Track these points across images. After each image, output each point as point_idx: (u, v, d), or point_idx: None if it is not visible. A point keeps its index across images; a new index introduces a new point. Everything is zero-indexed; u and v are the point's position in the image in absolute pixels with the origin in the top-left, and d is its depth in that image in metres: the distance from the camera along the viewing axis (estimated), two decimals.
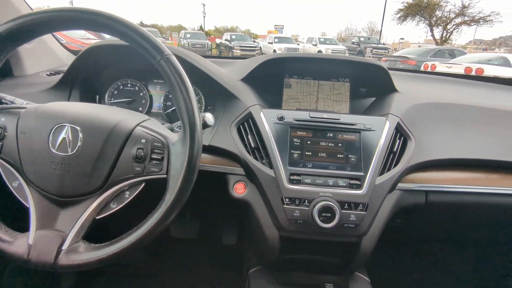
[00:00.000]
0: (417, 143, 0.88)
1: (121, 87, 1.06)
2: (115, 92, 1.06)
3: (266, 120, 0.87)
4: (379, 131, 0.86)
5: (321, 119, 0.88)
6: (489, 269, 1.40)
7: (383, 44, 22.86)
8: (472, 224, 1.02)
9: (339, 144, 0.86)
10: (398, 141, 0.87)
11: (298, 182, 0.81)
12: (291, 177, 0.81)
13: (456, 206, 0.90)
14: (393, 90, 1.00)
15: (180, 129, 0.63)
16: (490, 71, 7.68)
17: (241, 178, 0.88)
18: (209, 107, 1.02)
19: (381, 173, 0.83)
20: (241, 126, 0.90)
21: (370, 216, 0.80)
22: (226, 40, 20.14)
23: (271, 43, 19.52)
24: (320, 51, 18.69)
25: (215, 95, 0.99)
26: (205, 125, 0.69)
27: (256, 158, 0.85)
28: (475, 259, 1.40)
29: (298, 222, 0.80)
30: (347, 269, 0.94)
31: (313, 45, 19.80)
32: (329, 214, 0.77)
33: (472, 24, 24.32)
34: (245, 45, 17.96)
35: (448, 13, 24.90)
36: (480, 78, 1.37)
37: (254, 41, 23.25)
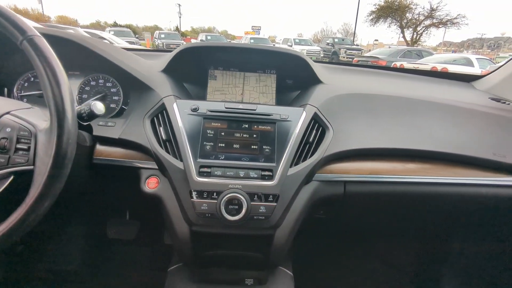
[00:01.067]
0: (335, 133, 0.87)
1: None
2: (25, 84, 0.99)
3: (179, 111, 0.83)
4: (295, 121, 0.84)
5: (236, 110, 0.85)
6: (419, 257, 1.43)
7: (357, 45, 23.40)
8: (394, 213, 1.02)
9: (254, 135, 0.83)
10: (314, 131, 0.85)
11: (208, 175, 0.77)
12: (201, 170, 0.78)
13: (374, 196, 0.90)
14: (318, 81, 0.99)
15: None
16: (454, 70, 8.00)
17: (153, 172, 0.84)
18: (128, 100, 0.97)
19: (296, 163, 0.81)
20: (155, 118, 0.86)
21: (281, 208, 0.78)
22: (201, 40, 19.98)
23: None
24: None
25: (130, 86, 0.94)
26: (92, 115, 0.64)
27: (168, 152, 0.81)
28: (403, 248, 1.42)
29: (206, 216, 0.76)
30: (268, 263, 0.91)
31: (288, 46, 19.99)
32: (237, 207, 0.74)
33: (440, 26, 25.39)
34: None
35: (417, 15, 25.88)
36: (415, 71, 1.39)
37: (230, 42, 23.21)
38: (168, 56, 0.99)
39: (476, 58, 9.09)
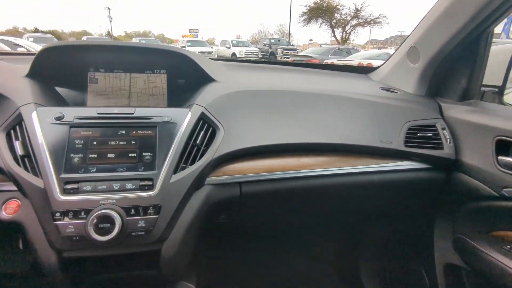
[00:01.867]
0: (226, 133, 0.82)
1: None
2: None
3: (40, 121, 0.71)
4: (179, 123, 0.78)
5: (110, 115, 0.76)
6: (336, 246, 1.47)
7: (293, 45, 24.28)
8: (299, 208, 1.02)
9: (132, 142, 0.75)
10: (203, 132, 0.80)
11: (75, 192, 0.67)
12: (66, 186, 0.67)
13: (272, 194, 0.87)
14: (209, 80, 0.94)
15: None
16: (377, 64, 8.69)
17: (12, 195, 0.71)
18: None
19: (182, 169, 0.74)
20: (11, 131, 0.73)
21: (165, 219, 0.71)
22: None
23: (184, 47, 19.12)
24: (234, 54, 18.98)
25: None
26: None
27: (27, 169, 0.69)
28: (320, 239, 1.46)
29: (74, 239, 0.66)
30: (166, 280, 0.84)
31: (227, 47, 20.00)
32: (108, 225, 0.65)
33: (366, 25, 27.60)
34: None
35: (345, 15, 27.78)
36: (320, 66, 1.42)
37: None
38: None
39: None
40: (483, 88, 0.99)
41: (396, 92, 1.09)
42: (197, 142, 0.78)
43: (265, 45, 20.96)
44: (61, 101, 0.86)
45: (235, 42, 20.67)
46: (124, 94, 0.93)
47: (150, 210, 0.69)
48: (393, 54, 1.18)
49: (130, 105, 0.93)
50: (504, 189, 0.82)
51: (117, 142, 0.74)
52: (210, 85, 0.92)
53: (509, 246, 0.83)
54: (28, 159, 0.69)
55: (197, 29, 39.73)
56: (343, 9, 27.42)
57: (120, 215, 0.66)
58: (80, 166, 0.70)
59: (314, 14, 27.78)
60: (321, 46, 15.69)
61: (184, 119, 0.78)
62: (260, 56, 19.09)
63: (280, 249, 1.47)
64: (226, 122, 0.84)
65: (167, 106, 0.94)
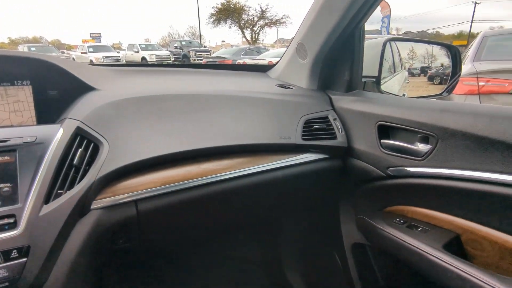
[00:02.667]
0: (112, 147, 0.72)
1: None
2: None
3: None
4: (48, 143, 0.65)
5: None
6: (260, 246, 1.49)
7: (205, 47, 24.16)
8: (208, 218, 0.97)
9: None
10: (82, 150, 0.68)
11: None
12: None
13: (175, 207, 0.81)
14: (88, 88, 0.82)
15: None
16: None
17: None
18: None
19: (56, 196, 0.62)
20: None
21: (38, 261, 0.59)
22: None
23: (85, 52, 17.38)
24: (144, 58, 18.01)
25: None
26: None
27: None
28: (244, 241, 1.45)
29: None
30: None
31: (135, 52, 18.88)
32: None
33: (272, 26, 29.07)
34: None
35: (252, 16, 28.80)
36: (217, 66, 1.40)
37: (63, 52, 20.16)
38: None
39: None
40: (363, 79, 1.09)
41: (292, 88, 1.13)
42: (75, 162, 0.66)
43: (176, 47, 20.41)
44: None
45: (143, 46, 19.64)
46: None
47: (14, 254, 0.56)
48: (285, 51, 1.22)
49: None
50: (389, 169, 0.91)
51: None
52: (89, 94, 0.80)
53: (398, 219, 0.92)
54: None
55: (100, 33, 36.49)
56: (249, 10, 28.43)
57: None
58: None
59: (223, 15, 28.14)
60: (232, 46, 15.95)
61: (54, 137, 0.66)
62: (173, 59, 18.51)
63: (201, 261, 1.40)
64: (111, 135, 0.74)
65: (36, 123, 0.79)
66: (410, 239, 0.83)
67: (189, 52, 18.50)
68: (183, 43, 20.97)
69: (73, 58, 17.92)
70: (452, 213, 0.81)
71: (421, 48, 1.57)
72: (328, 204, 1.20)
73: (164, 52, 19.08)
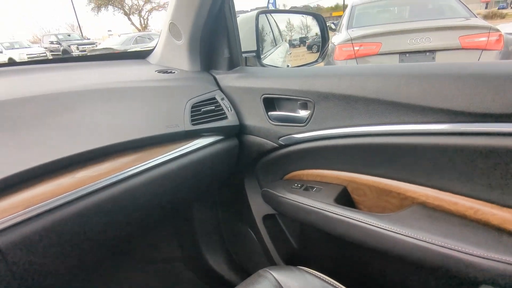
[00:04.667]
0: None
1: None
2: None
3: None
4: None
5: None
6: (181, 240, 1.44)
7: (89, 38, 21.55)
8: (104, 228, 0.87)
9: None
10: None
11: None
12: None
13: (53, 229, 0.68)
14: None
15: None
16: None
17: None
18: None
19: None
20: None
21: None
22: None
23: None
24: (11, 59, 15.15)
25: None
26: None
27: None
28: (165, 241, 1.39)
29: None
30: None
31: None
32: None
33: (161, 9, 27.44)
34: None
35: (136, 1, 26.64)
36: (88, 58, 1.22)
37: None
38: None
39: None
40: (244, 55, 1.08)
41: (174, 72, 1.06)
42: None
43: (52, 42, 17.68)
44: None
45: (7, 44, 16.45)
46: None
47: None
48: (160, 32, 1.13)
49: None
50: (280, 139, 0.94)
51: None
52: None
53: (296, 184, 0.97)
54: None
55: None
56: None
57: None
58: None
59: (103, 1, 25.21)
60: (119, 36, 14.53)
61: None
62: (50, 56, 16.02)
63: (123, 272, 1.28)
64: None
65: None
66: (307, 200, 0.88)
67: (69, 46, 16.29)
68: (60, 36, 18.26)
69: None
70: (336, 168, 0.89)
71: (297, 20, 1.65)
72: (234, 183, 1.20)
73: (37, 49, 16.35)
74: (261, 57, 1.10)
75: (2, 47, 15.96)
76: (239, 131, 1.02)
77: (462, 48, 3.17)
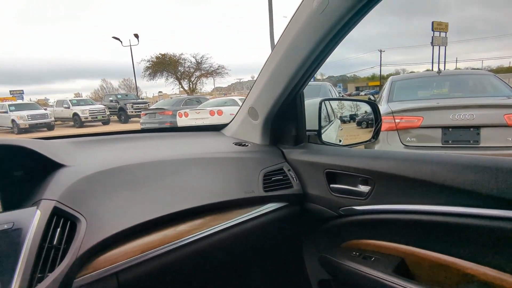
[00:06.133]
0: (89, 223, 0.75)
1: None
2: None
3: None
4: (26, 227, 0.66)
5: None
6: None
7: (143, 98, 23.92)
8: (189, 279, 1.01)
9: None
10: (60, 229, 0.70)
11: None
12: None
13: (158, 273, 0.84)
14: (57, 166, 0.84)
15: None
16: (226, 110, 9.55)
17: None
18: None
19: (39, 280, 0.63)
20: None
21: None
22: None
23: (5, 112, 15.93)
24: (76, 114, 17.10)
25: None
26: None
27: None
28: None
29: None
30: None
31: (65, 108, 17.88)
32: None
33: (209, 76, 30.25)
34: None
35: (188, 68, 29.75)
36: (172, 129, 1.49)
37: None
38: None
39: (239, 99, 11.27)
40: (307, 133, 1.28)
41: (247, 145, 1.26)
42: (54, 243, 0.68)
43: (111, 101, 19.85)
44: None
45: (75, 101, 18.75)
46: None
47: None
48: (237, 113, 1.37)
49: None
50: (340, 209, 1.06)
51: None
52: (59, 172, 0.83)
53: (354, 252, 1.06)
54: None
55: (22, 90, 33.97)
56: (185, 62, 29.41)
57: None
58: None
59: (158, 68, 28.61)
60: (171, 97, 16.10)
61: (32, 220, 0.67)
62: (108, 113, 17.89)
63: None
64: (87, 211, 0.76)
65: (2, 208, 0.78)
66: (366, 268, 0.96)
67: (125, 105, 18.13)
68: (119, 96, 20.54)
69: None
70: (395, 240, 0.97)
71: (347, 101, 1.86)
72: (292, 247, 1.30)
73: (98, 106, 18.41)
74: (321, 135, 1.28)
75: (69, 103, 18.18)
76: (301, 199, 1.16)
77: (508, 126, 3.19)
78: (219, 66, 29.88)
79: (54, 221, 0.70)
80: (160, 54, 28.85)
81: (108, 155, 1.04)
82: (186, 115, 9.92)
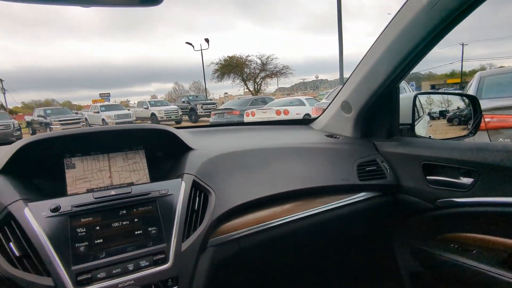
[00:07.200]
0: (217, 195, 0.90)
1: None
2: None
3: (35, 217, 0.69)
4: (176, 193, 0.83)
5: (108, 197, 0.77)
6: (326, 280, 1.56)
7: (211, 99, 25.28)
8: (289, 253, 1.12)
9: (135, 220, 0.77)
10: (198, 198, 0.86)
11: (89, 281, 0.66)
12: (79, 278, 0.65)
13: (266, 243, 0.96)
14: (188, 148, 1.02)
15: None
16: (292, 110, 9.62)
17: None
18: None
19: (187, 236, 0.79)
20: (0, 234, 0.68)
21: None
22: (39, 116, 17.45)
23: (97, 112, 18.27)
24: (153, 114, 18.83)
25: None
26: None
27: (27, 270, 0.65)
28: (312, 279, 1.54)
29: None
30: None
31: (145, 108, 19.78)
32: None
33: (273, 76, 30.72)
34: (65, 119, 16.16)
35: (254, 69, 30.62)
36: (266, 123, 1.62)
37: (77, 113, 21.16)
38: (4, 154, 0.83)
39: (306, 99, 11.26)
40: (400, 126, 1.29)
41: (339, 137, 1.33)
42: (195, 208, 0.84)
43: (183, 102, 21.37)
44: (40, 193, 0.83)
45: (152, 102, 20.63)
46: (105, 175, 0.94)
47: (170, 283, 0.71)
48: (327, 107, 1.44)
49: (113, 184, 0.94)
50: (437, 201, 1.06)
51: (120, 223, 0.75)
52: (191, 153, 1.00)
53: (452, 245, 1.05)
54: (28, 259, 0.66)
55: (109, 93, 38.52)
56: (251, 64, 30.34)
57: None
58: (88, 255, 0.69)
59: (226, 70, 30.05)
60: (238, 98, 16.79)
61: (180, 189, 0.84)
62: (180, 113, 19.33)
63: None
64: (214, 185, 0.92)
65: (149, 179, 0.98)
66: (470, 260, 0.96)
67: (196, 105, 19.36)
68: (190, 97, 22.02)
69: (86, 118, 18.83)
70: (500, 234, 0.95)
71: (436, 95, 1.80)
72: (382, 236, 1.33)
73: (172, 107, 19.98)
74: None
75: (148, 104, 20.09)
76: (395, 190, 1.18)
77: None
78: (283, 67, 30.19)
79: (193, 191, 0.86)
80: (228, 56, 30.43)
81: (221, 142, 1.20)
82: (253, 114, 10.26)
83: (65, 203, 0.73)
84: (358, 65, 1.20)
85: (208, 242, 0.84)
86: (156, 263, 0.72)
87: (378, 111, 1.29)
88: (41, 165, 0.87)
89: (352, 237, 1.28)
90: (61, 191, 0.88)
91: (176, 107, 20.02)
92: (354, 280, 1.46)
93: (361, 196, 1.13)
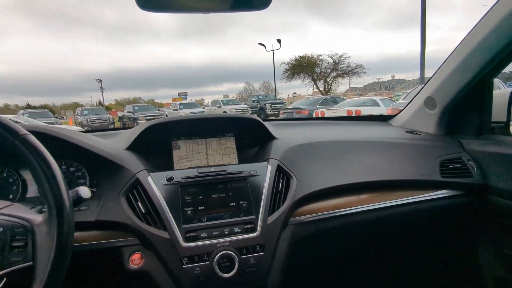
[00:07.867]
0: (298, 180, 0.99)
1: None
2: None
3: (155, 184, 0.87)
4: (263, 175, 0.94)
5: (209, 173, 0.92)
6: (393, 276, 1.54)
7: (280, 99, 25.55)
8: (361, 241, 1.15)
9: (230, 193, 0.90)
10: (281, 180, 0.96)
11: (194, 239, 0.81)
12: (188, 235, 0.81)
13: (340, 229, 1.01)
14: (272, 137, 1.13)
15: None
16: (365, 111, 9.22)
17: (136, 248, 0.83)
18: (94, 181, 0.97)
19: (272, 212, 0.89)
20: (130, 194, 0.88)
21: (268, 255, 0.84)
22: (129, 112, 19.84)
23: (177, 109, 19.96)
24: (225, 112, 19.84)
25: (99, 167, 0.95)
26: (80, 200, 0.65)
27: (150, 224, 0.83)
28: (379, 271, 1.53)
29: (200, 280, 0.78)
30: None
31: (218, 107, 20.94)
32: (229, 263, 0.78)
33: (345, 76, 29.65)
34: (149, 115, 18.04)
35: (325, 69, 29.97)
36: (343, 118, 1.65)
37: (159, 110, 23.41)
38: (131, 134, 1.04)
39: (380, 99, 10.67)
40: (492, 124, 1.21)
41: (420, 134, 1.30)
42: (279, 189, 0.94)
43: (253, 101, 22.04)
44: (155, 167, 1.02)
45: (225, 101, 21.74)
46: (203, 156, 1.10)
47: (258, 248, 0.82)
48: (409, 103, 1.42)
49: (208, 164, 1.09)
50: None
51: (218, 194, 0.89)
52: (275, 141, 1.10)
53: None
54: (150, 216, 0.83)
55: (186, 92, 41.58)
56: (322, 63, 29.77)
57: (236, 254, 0.79)
58: (194, 217, 0.84)
59: (297, 70, 30.05)
60: (308, 98, 16.71)
61: (266, 171, 0.95)
62: (250, 112, 19.99)
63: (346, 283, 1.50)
64: (296, 171, 1.01)
65: (238, 162, 1.12)
66: None
67: (265, 105, 19.82)
68: (260, 97, 22.64)
69: (166, 115, 20.76)
70: None
71: None
72: (464, 237, 1.27)
73: (242, 106, 20.80)
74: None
75: (221, 103, 21.24)
76: (481, 190, 1.12)
77: None
78: (356, 66, 28.94)
79: (277, 174, 0.97)
80: (299, 56, 30.40)
81: (301, 133, 1.29)
82: (323, 114, 10.11)
83: (177, 175, 0.90)
84: (447, 59, 1.17)
85: (289, 221, 0.94)
86: (247, 231, 0.84)
87: (466, 108, 1.23)
88: (155, 145, 1.07)
89: (429, 234, 1.25)
90: (170, 167, 1.06)
91: (246, 106, 20.78)
92: (427, 277, 1.41)
93: (442, 193, 1.11)
